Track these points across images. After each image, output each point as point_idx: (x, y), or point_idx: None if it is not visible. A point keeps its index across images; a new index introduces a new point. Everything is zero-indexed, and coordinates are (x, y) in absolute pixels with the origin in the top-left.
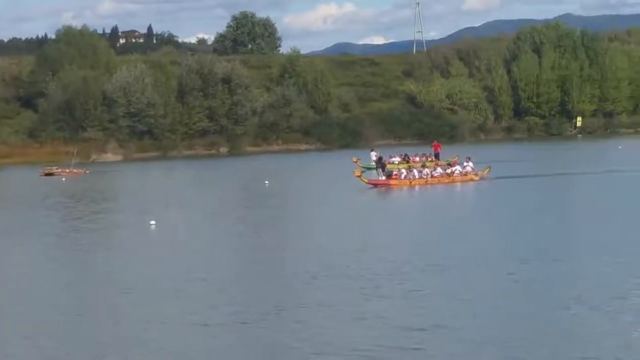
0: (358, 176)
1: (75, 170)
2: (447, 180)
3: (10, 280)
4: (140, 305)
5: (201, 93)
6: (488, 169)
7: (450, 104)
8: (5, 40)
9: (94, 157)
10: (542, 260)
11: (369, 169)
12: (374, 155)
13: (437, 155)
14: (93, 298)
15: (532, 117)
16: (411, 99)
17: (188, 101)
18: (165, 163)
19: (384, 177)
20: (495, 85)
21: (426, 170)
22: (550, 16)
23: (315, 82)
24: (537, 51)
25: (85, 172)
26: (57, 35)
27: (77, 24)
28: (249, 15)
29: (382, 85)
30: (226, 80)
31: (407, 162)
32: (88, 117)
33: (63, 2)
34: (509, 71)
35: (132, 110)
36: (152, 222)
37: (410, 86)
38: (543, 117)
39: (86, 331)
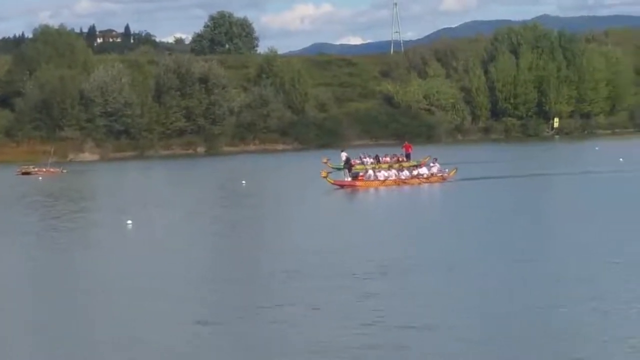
0: (324, 177)
1: (52, 170)
2: (413, 182)
3: None
4: (118, 303)
5: (178, 93)
6: (454, 171)
7: (427, 104)
8: None
9: (71, 156)
10: (508, 260)
11: (339, 169)
12: (343, 156)
13: (408, 156)
14: (69, 297)
15: (510, 118)
16: (388, 100)
17: (165, 101)
18: (143, 163)
19: (350, 178)
20: (472, 86)
21: (392, 172)
22: (527, 17)
23: (292, 82)
24: (515, 52)
25: (62, 172)
26: (34, 34)
27: (54, 23)
28: (227, 15)
29: (359, 85)
30: (203, 80)
31: (378, 162)
32: (65, 117)
33: (40, 1)
34: (486, 72)
35: (109, 109)
36: (129, 221)
37: (388, 86)
38: (520, 118)
39: (62, 329)
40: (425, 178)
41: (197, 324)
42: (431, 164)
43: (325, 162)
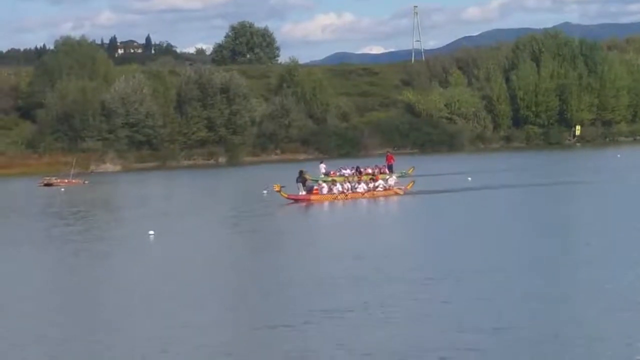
0: (278, 191)
1: (74, 181)
2: (369, 195)
3: (10, 287)
4: (139, 314)
5: (200, 103)
6: (411, 183)
7: (448, 113)
8: (4, 50)
9: (92, 167)
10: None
11: (317, 180)
12: (322, 168)
13: (390, 167)
14: (88, 308)
15: (531, 126)
16: (410, 108)
17: (187, 111)
18: (165, 173)
19: (304, 192)
20: (493, 94)
21: (347, 185)
22: (549, 25)
23: (313, 91)
24: (536, 60)
25: (84, 183)
26: (55, 46)
27: (76, 34)
28: (248, 25)
29: (380, 94)
30: (224, 90)
31: (359, 174)
32: (86, 128)
33: (62, 12)
34: (507, 80)
35: (131, 120)
36: (151, 232)
37: (409, 95)
38: (542, 126)
39: (79, 335)
40: (382, 191)
41: (221, 333)
42: (387, 177)
43: (305, 173)
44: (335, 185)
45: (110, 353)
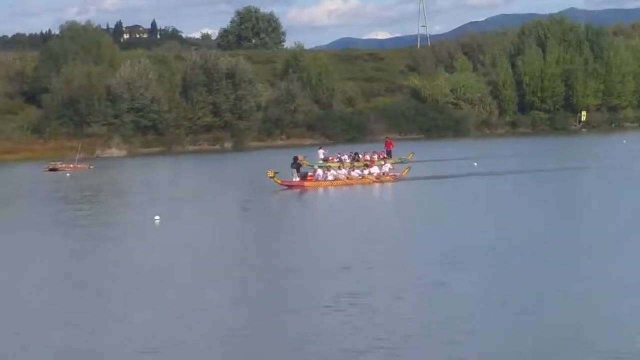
0: (272, 177)
1: (79, 166)
2: (364, 182)
3: (16, 271)
4: (146, 299)
5: (205, 88)
6: (407, 170)
7: (454, 98)
8: (10, 35)
9: (98, 152)
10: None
11: (322, 167)
12: (321, 154)
13: (389, 153)
14: (95, 294)
15: (537, 112)
16: (416, 94)
17: (192, 97)
18: (170, 158)
19: (298, 179)
20: (499, 80)
21: (343, 171)
22: (554, 11)
23: (319, 77)
24: (542, 46)
25: (89, 168)
26: (61, 31)
27: (81, 19)
28: (253, 10)
29: (386, 80)
30: (230, 76)
31: (357, 160)
32: (92, 113)
33: None
34: (513, 66)
35: (137, 105)
36: (157, 217)
37: (415, 81)
38: (548, 111)
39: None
40: (376, 177)
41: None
42: (382, 164)
43: (303, 160)
44: (330, 171)
45: (120, 338)
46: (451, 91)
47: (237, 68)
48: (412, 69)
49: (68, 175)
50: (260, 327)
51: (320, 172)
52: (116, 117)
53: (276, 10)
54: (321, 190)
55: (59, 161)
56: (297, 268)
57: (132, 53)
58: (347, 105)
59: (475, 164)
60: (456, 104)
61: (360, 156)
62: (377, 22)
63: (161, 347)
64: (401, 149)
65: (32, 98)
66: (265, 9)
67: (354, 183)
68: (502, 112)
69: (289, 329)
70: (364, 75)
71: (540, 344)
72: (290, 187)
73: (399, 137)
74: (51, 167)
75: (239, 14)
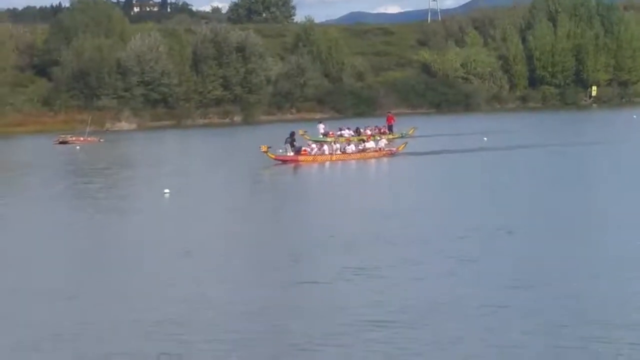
0: (265, 152)
1: (89, 139)
2: (360, 156)
3: (26, 246)
4: (156, 270)
5: (215, 62)
6: (404, 145)
7: (464, 73)
8: (20, 8)
9: (108, 125)
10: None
11: (317, 141)
12: (321, 128)
13: (390, 128)
14: (100, 267)
15: (547, 87)
16: (426, 68)
17: (202, 70)
18: (180, 132)
19: (292, 153)
20: (510, 54)
21: (337, 146)
22: None
23: (329, 51)
24: (552, 20)
25: (99, 141)
26: (71, 4)
27: None
28: None
29: (396, 54)
30: (240, 49)
31: (359, 134)
32: (102, 86)
33: None
34: (524, 40)
35: (147, 79)
36: (167, 190)
37: (425, 55)
38: (558, 86)
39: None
40: (373, 152)
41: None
42: (378, 138)
43: (303, 134)
44: (324, 146)
45: (138, 314)
46: (461, 65)
47: (247, 41)
48: (422, 43)
49: (78, 148)
50: (280, 300)
51: (315, 146)
52: (126, 90)
53: None
54: (315, 165)
55: (69, 134)
56: (314, 242)
57: (142, 26)
58: (356, 80)
59: (485, 139)
60: (466, 79)
61: (361, 130)
62: None
63: (179, 319)
64: (411, 123)
65: (42, 70)
66: None
67: (348, 158)
68: (512, 86)
69: (309, 299)
70: (374, 49)
71: (561, 316)
72: (284, 161)
73: (408, 111)
74: (61, 139)
75: None
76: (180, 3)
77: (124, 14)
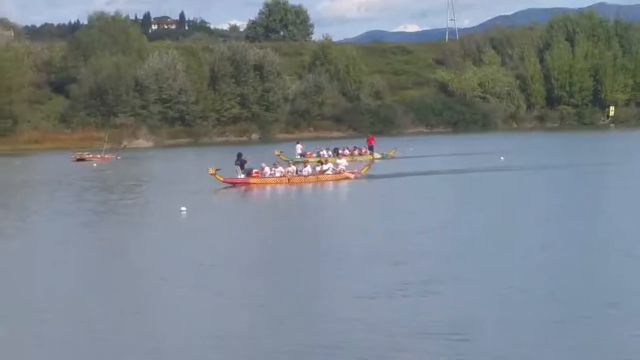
0: (212, 174)
1: (106, 156)
2: (316, 179)
3: (40, 263)
4: (173, 288)
5: (233, 80)
6: (366, 167)
7: (482, 92)
8: (38, 25)
9: (125, 143)
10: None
11: (296, 162)
12: (299, 148)
13: (371, 148)
14: (116, 283)
15: (565, 106)
16: (443, 87)
17: (220, 88)
18: (197, 149)
19: (243, 176)
20: (527, 73)
21: (292, 168)
22: (584, 5)
23: (347, 69)
24: (570, 40)
25: (116, 158)
26: (89, 21)
27: (110, 9)
28: (281, 2)
29: (414, 73)
30: (258, 67)
31: (337, 155)
32: (119, 103)
33: None
34: (541, 60)
35: (164, 96)
36: (183, 208)
37: (443, 74)
38: (576, 106)
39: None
40: (331, 175)
41: (249, 307)
42: (338, 160)
43: (279, 154)
44: (277, 167)
45: (166, 328)
46: (479, 84)
47: (264, 60)
48: (440, 62)
49: (95, 165)
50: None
51: (267, 169)
52: (143, 107)
53: (305, 2)
54: (268, 187)
55: (86, 151)
56: (331, 258)
57: (159, 44)
58: (374, 98)
59: (502, 158)
60: (484, 98)
61: (340, 151)
62: (406, 15)
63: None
64: (428, 143)
65: (59, 88)
66: (293, 1)
67: (305, 181)
68: (530, 105)
69: (332, 316)
70: (392, 68)
71: (611, 329)
72: (234, 184)
73: (425, 130)
74: (78, 157)
75: (267, 5)
76: (198, 21)
77: (142, 32)
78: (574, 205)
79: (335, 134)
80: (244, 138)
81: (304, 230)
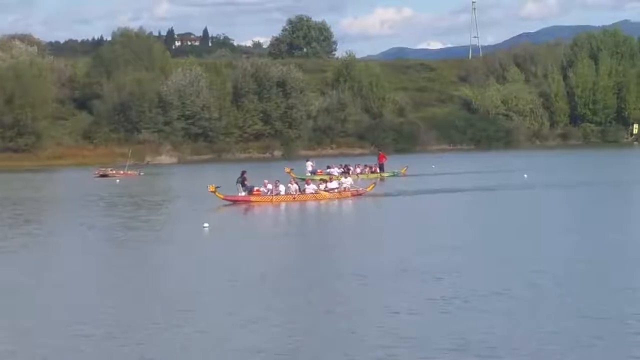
0: (212, 192)
1: (129, 172)
2: (317, 197)
3: (64, 281)
4: (197, 306)
5: (256, 96)
6: (372, 185)
7: (505, 109)
8: (62, 41)
9: (148, 159)
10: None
11: (303, 179)
12: (309, 166)
13: (381, 167)
14: (139, 301)
15: (588, 124)
16: (466, 105)
17: (243, 104)
18: (220, 165)
19: (244, 193)
20: (551, 91)
21: (295, 186)
22: (608, 22)
23: (370, 86)
24: (594, 58)
25: (139, 174)
26: (113, 37)
27: (134, 26)
28: (305, 19)
29: (437, 90)
30: (281, 84)
31: (348, 172)
32: (142, 119)
33: (120, 4)
34: (565, 77)
35: (187, 112)
36: (206, 224)
37: (466, 91)
38: (599, 124)
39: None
40: (336, 193)
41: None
42: (343, 179)
43: (289, 172)
44: (278, 187)
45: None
46: (502, 102)
47: (287, 76)
48: (463, 80)
49: (118, 181)
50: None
51: (270, 186)
52: (166, 123)
53: (328, 19)
54: (270, 206)
55: (109, 167)
56: (361, 272)
57: (183, 60)
58: (397, 115)
59: (525, 176)
60: (507, 115)
61: (351, 168)
62: (430, 32)
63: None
64: (451, 160)
65: (82, 104)
66: (317, 18)
67: (307, 199)
68: (553, 123)
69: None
70: (415, 85)
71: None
72: (235, 201)
73: (449, 147)
74: (101, 172)
75: (290, 22)
76: (222, 38)
77: (165, 48)
78: (601, 222)
79: (358, 150)
80: (267, 154)
81: (331, 247)
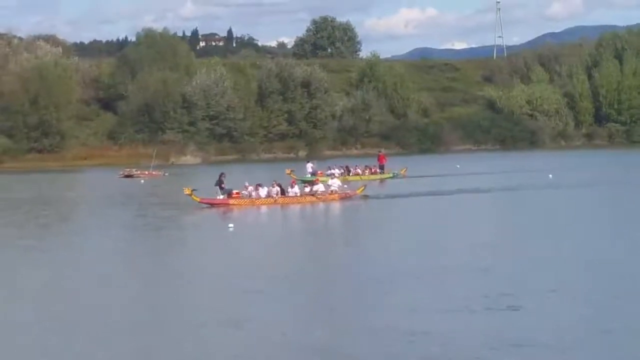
0: (189, 194)
1: (154, 173)
2: (301, 200)
3: (91, 279)
4: (220, 305)
5: (280, 96)
6: (362, 188)
7: (530, 109)
8: (86, 42)
9: (172, 159)
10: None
11: (304, 181)
12: (309, 167)
13: (382, 167)
14: (162, 299)
15: (613, 124)
16: (491, 105)
17: (267, 104)
18: (245, 166)
19: (222, 196)
20: (576, 91)
21: (276, 189)
22: (633, 22)
23: (394, 86)
24: (619, 57)
25: (164, 175)
26: (137, 38)
27: (158, 26)
28: (329, 19)
29: (461, 90)
30: (305, 84)
31: (348, 173)
32: (167, 120)
33: (145, 4)
34: (590, 77)
35: (212, 113)
36: (231, 225)
37: (490, 91)
38: (624, 124)
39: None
40: (322, 196)
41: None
42: (330, 181)
43: (289, 173)
44: (261, 188)
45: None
46: (527, 102)
47: (312, 77)
48: (488, 80)
49: (142, 181)
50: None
51: (250, 188)
52: (191, 124)
53: (353, 19)
54: (249, 208)
55: (134, 167)
56: (400, 272)
57: (207, 60)
58: (422, 115)
59: (550, 176)
60: (531, 115)
61: (352, 170)
62: (454, 32)
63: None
64: (476, 160)
65: (107, 104)
66: (341, 18)
67: (290, 202)
68: (578, 123)
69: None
70: (440, 85)
71: None
72: (212, 205)
73: (473, 147)
74: (126, 173)
75: (314, 22)
76: (246, 38)
77: (189, 49)
78: (629, 222)
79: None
80: (292, 155)
81: (356, 247)
